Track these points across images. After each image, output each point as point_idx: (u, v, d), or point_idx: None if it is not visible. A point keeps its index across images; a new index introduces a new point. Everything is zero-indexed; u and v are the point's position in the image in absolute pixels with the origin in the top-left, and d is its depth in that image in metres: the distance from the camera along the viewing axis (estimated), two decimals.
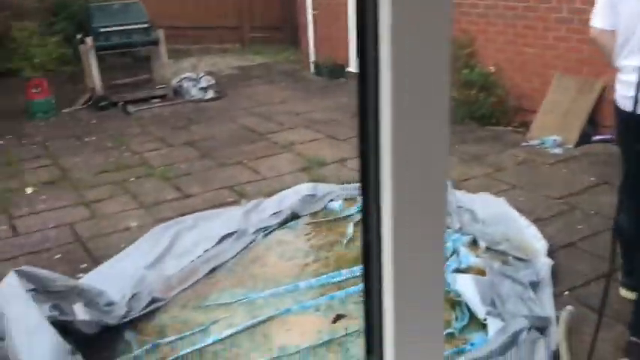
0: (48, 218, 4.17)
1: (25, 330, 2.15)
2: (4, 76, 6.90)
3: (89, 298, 2.62)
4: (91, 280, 3.07)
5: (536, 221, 3.59)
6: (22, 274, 2.36)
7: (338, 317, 2.79)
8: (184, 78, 7.95)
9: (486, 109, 5.73)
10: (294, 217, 3.84)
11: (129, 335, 2.69)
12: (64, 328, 2.27)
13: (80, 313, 2.47)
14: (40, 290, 2.40)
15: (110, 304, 2.74)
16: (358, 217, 3.78)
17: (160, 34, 7.44)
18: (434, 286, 0.73)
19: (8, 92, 6.97)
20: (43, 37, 7.32)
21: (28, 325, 2.16)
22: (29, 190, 4.68)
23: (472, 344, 2.50)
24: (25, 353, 2.09)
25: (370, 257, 0.76)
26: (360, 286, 3.00)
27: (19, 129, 6.50)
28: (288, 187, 4.26)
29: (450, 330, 2.62)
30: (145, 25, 7.30)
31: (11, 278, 2.33)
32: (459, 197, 3.89)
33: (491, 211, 3.65)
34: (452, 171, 4.54)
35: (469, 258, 3.16)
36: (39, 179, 4.89)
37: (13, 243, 3.82)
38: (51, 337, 2.15)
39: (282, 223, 3.77)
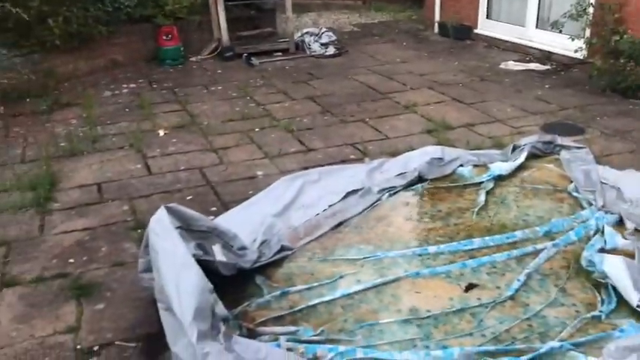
0: (179, 160, 4.32)
1: (173, 265, 2.21)
2: (138, 23, 7.17)
3: (225, 241, 2.67)
4: (222, 222, 3.13)
5: None
6: (170, 211, 2.43)
7: (470, 286, 2.67)
8: (306, 33, 7.94)
9: (632, 81, 5.24)
10: (421, 179, 3.71)
11: (259, 280, 2.73)
12: (205, 267, 2.32)
13: (219, 254, 2.52)
14: (185, 228, 2.47)
15: (243, 248, 2.78)
16: (490, 185, 3.60)
17: None
18: None
19: (142, 38, 7.26)
20: None
21: (176, 261, 2.23)
22: (161, 133, 4.88)
23: (621, 330, 2.31)
24: (172, 288, 2.15)
25: None
26: (494, 257, 2.86)
27: (150, 74, 6.79)
28: (413, 149, 4.13)
29: (595, 313, 2.43)
30: None
31: (161, 214, 2.41)
32: (603, 173, 3.60)
33: None
34: (593, 145, 4.20)
35: (615, 239, 2.91)
36: (169, 123, 5.08)
37: (147, 181, 4.00)
38: (196, 274, 2.20)
39: (408, 185, 3.66)
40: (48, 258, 3.10)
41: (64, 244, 3.23)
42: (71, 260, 3.08)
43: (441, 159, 3.88)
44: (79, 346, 2.45)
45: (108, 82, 6.45)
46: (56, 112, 5.47)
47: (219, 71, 6.87)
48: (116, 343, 2.46)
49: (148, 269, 2.46)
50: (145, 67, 7.08)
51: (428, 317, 2.47)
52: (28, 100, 5.71)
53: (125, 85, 6.34)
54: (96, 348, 2.44)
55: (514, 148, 3.93)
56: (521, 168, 3.79)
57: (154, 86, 6.31)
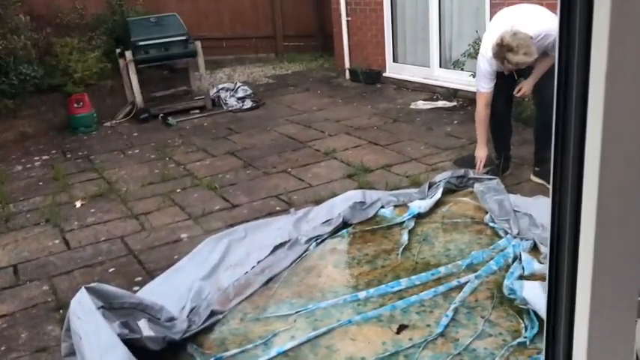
0: (99, 231, 4.19)
1: (98, 348, 2.13)
2: (47, 93, 7.01)
3: (152, 315, 2.60)
4: (147, 293, 3.06)
5: None
6: (91, 291, 2.35)
7: (402, 327, 2.72)
8: (222, 89, 8.00)
9: (532, 111, 5.59)
10: (346, 225, 3.79)
11: (191, 349, 2.67)
12: (131, 345, 2.25)
13: (145, 329, 2.45)
14: (107, 307, 2.39)
15: (171, 319, 2.71)
16: (412, 223, 3.71)
17: (198, 46, 7.49)
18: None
19: (51, 108, 7.08)
20: (82, 53, 7.43)
21: (100, 344, 2.15)
22: (78, 204, 4.73)
23: None
24: None
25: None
26: (422, 295, 2.94)
27: (63, 144, 6.60)
28: (335, 194, 4.21)
29: (520, 339, 2.53)
30: (184, 38, 7.36)
31: (82, 295, 2.33)
32: (515, 201, 3.79)
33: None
34: (503, 175, 4.43)
35: (533, 264, 3.06)
36: (87, 193, 4.94)
37: (66, 257, 3.84)
38: (122, 355, 2.13)
39: (334, 232, 3.72)
40: None
41: None
42: None
43: (363, 202, 3.97)
44: None
45: (18, 156, 6.22)
46: None
47: (135, 134, 6.78)
48: None
49: (72, 353, 2.35)
50: (58, 136, 6.89)
51: None
52: None
53: (37, 158, 6.13)
54: None
55: (430, 185, 4.09)
56: (439, 204, 3.94)
57: (68, 156, 6.14)
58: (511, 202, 3.76)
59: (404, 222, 3.75)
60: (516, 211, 3.65)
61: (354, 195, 4.05)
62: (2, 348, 2.91)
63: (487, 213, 3.73)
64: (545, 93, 4.15)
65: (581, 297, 0.78)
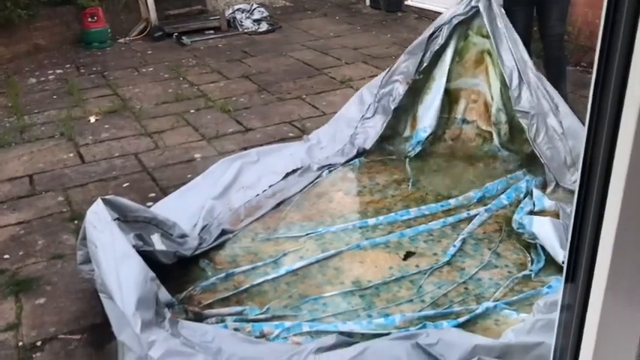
0: (113, 147, 4.22)
1: (113, 257, 2.19)
2: (61, 5, 6.88)
3: (164, 230, 2.65)
4: (160, 209, 3.10)
5: None
6: (107, 203, 2.39)
7: (408, 254, 2.78)
8: (237, 9, 7.82)
9: None
10: (359, 154, 3.78)
11: (203, 263, 2.74)
12: (145, 257, 2.31)
13: (158, 243, 2.51)
14: (122, 219, 2.44)
15: (183, 235, 2.77)
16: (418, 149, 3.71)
17: None
18: None
19: (65, 21, 6.97)
20: None
21: (115, 254, 2.21)
22: (92, 119, 4.74)
23: (550, 287, 2.46)
24: (113, 280, 2.14)
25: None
26: (430, 225, 2.97)
27: (76, 58, 6.55)
28: None
29: (526, 272, 2.58)
30: None
31: (98, 206, 2.37)
32: None
33: None
34: None
35: (543, 201, 3.07)
36: (101, 109, 4.94)
37: (81, 170, 3.89)
38: (136, 264, 2.19)
39: (347, 161, 3.72)
40: None
41: None
42: (6, 256, 2.99)
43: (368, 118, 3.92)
44: (20, 343, 2.40)
45: (32, 69, 6.19)
46: None
47: (150, 52, 6.70)
48: (60, 336, 2.43)
49: (87, 261, 2.42)
50: (71, 51, 6.82)
51: (369, 287, 2.55)
52: None
53: (51, 71, 6.10)
54: (39, 343, 2.40)
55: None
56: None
57: (82, 71, 6.10)
58: None
59: (413, 150, 3.72)
60: None
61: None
62: (21, 253, 3.01)
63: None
64: (549, 24, 4.03)
65: (605, 240, 0.78)
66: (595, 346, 0.84)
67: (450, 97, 3.83)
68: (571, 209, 2.60)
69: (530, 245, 2.76)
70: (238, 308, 2.42)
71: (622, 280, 0.79)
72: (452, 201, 3.18)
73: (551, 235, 2.66)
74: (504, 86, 3.53)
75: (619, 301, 0.81)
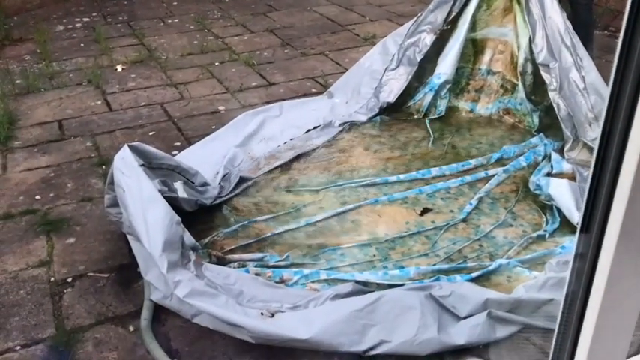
0: (139, 96, 4.30)
1: (140, 201, 2.28)
2: None
3: (187, 178, 2.74)
4: (184, 158, 3.18)
5: None
6: (133, 149, 2.47)
7: (425, 210, 2.84)
8: None
9: None
10: (382, 110, 3.81)
11: (226, 211, 2.84)
12: (169, 203, 2.39)
13: (181, 191, 2.60)
14: (147, 166, 2.52)
15: (204, 184, 2.85)
16: (442, 110, 3.73)
17: None
18: None
19: None
20: None
21: (142, 197, 2.30)
22: (119, 68, 4.81)
23: (563, 247, 2.51)
24: (141, 222, 2.23)
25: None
26: (448, 183, 3.03)
27: (103, 7, 6.57)
28: None
29: (540, 232, 2.63)
30: None
31: (125, 152, 2.45)
32: None
33: None
34: None
35: (561, 164, 3.09)
36: (127, 58, 5.00)
37: (108, 118, 3.99)
38: (163, 208, 2.28)
39: (369, 118, 3.75)
40: (14, 195, 3.13)
41: (28, 182, 3.25)
42: (38, 197, 3.11)
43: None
44: (52, 279, 2.54)
45: (60, 16, 6.24)
46: (8, 47, 5.31)
47: (175, 3, 6.70)
48: (89, 274, 2.56)
49: (114, 204, 2.52)
50: None
51: (386, 241, 2.63)
52: None
53: (78, 19, 6.15)
54: (69, 279, 2.53)
55: None
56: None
57: (109, 19, 6.14)
58: None
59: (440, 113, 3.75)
60: None
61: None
62: (51, 195, 3.13)
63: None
64: None
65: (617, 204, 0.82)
66: (605, 290, 0.90)
67: (477, 47, 3.78)
68: (587, 173, 2.65)
69: (546, 206, 2.81)
70: (259, 255, 2.51)
71: (635, 229, 0.84)
72: (472, 161, 3.22)
73: (567, 197, 2.70)
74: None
75: (630, 249, 0.86)
